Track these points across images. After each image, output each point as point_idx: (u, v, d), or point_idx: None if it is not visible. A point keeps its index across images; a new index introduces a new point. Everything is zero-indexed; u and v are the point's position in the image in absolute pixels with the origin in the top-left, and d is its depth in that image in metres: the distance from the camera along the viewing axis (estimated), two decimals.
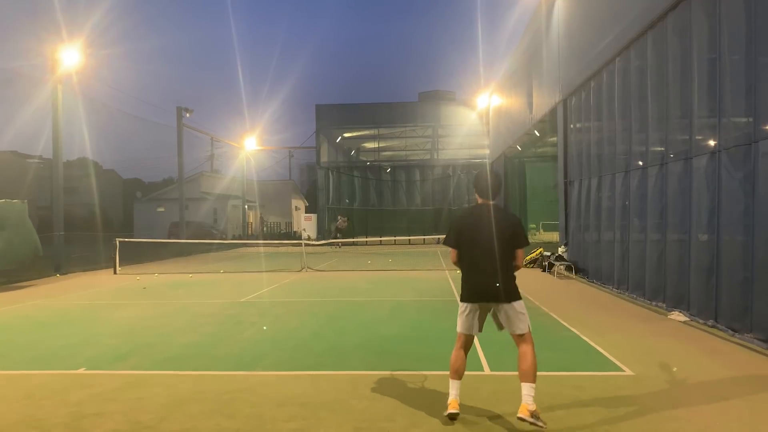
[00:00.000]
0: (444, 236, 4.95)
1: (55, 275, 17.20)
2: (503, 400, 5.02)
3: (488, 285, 4.54)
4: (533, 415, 4.24)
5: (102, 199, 40.84)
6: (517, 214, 28.51)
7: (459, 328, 4.66)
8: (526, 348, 4.53)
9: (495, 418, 4.61)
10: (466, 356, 4.67)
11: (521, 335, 4.56)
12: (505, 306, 4.54)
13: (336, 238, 28.56)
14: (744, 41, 7.20)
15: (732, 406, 4.86)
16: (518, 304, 4.58)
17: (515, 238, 4.63)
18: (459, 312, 4.68)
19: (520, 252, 4.70)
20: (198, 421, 4.64)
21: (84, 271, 18.58)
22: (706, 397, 5.07)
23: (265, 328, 7.75)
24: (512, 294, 4.56)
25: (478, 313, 4.62)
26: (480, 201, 4.78)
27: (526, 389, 4.35)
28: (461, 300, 4.69)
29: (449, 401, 4.51)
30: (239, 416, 4.73)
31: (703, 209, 8.19)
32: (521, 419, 4.25)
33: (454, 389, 4.54)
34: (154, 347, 7.40)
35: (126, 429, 4.50)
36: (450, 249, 4.80)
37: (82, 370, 6.26)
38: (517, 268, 4.71)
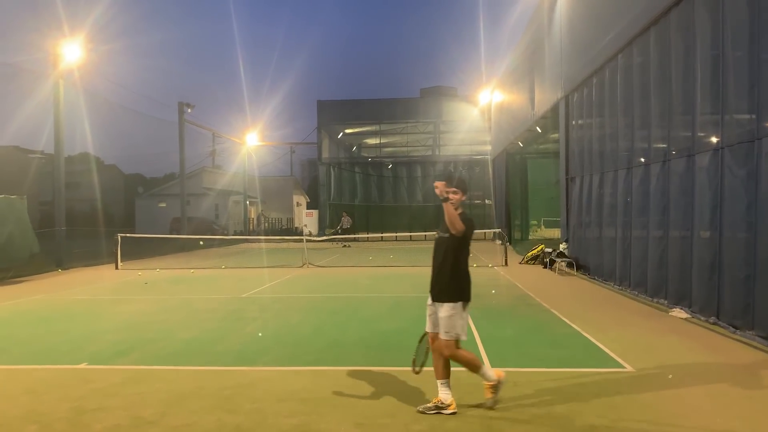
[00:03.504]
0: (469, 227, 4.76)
1: (57, 270, 17.22)
2: (504, 395, 5.02)
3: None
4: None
5: (104, 195, 40.83)
6: (519, 211, 28.55)
7: (464, 334, 4.69)
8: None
9: (496, 412, 4.61)
10: None
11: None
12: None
13: (339, 234, 28.54)
14: (747, 38, 7.17)
15: (733, 403, 4.86)
16: None
17: None
18: (462, 315, 4.67)
19: None
20: (199, 416, 4.65)
21: (86, 266, 18.60)
22: (707, 394, 5.07)
23: (260, 334, 7.74)
24: None
25: None
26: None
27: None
28: (466, 300, 4.70)
29: (497, 374, 4.74)
30: (240, 411, 4.74)
31: (706, 206, 8.17)
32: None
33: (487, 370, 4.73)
34: (156, 342, 7.41)
35: (127, 424, 4.51)
36: (463, 227, 4.63)
37: (83, 365, 6.27)
38: None
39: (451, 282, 4.62)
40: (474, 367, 4.65)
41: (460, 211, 4.73)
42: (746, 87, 7.16)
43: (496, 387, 4.65)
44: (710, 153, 8.03)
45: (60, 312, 10.09)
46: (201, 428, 4.40)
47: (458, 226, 4.52)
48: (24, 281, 14.77)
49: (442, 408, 4.55)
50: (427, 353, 4.88)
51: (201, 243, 24.74)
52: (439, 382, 4.64)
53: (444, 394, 4.59)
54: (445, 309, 4.58)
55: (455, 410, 4.55)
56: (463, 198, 4.85)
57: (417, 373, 4.88)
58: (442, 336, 4.60)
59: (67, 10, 20.15)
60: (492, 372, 4.69)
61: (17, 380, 5.77)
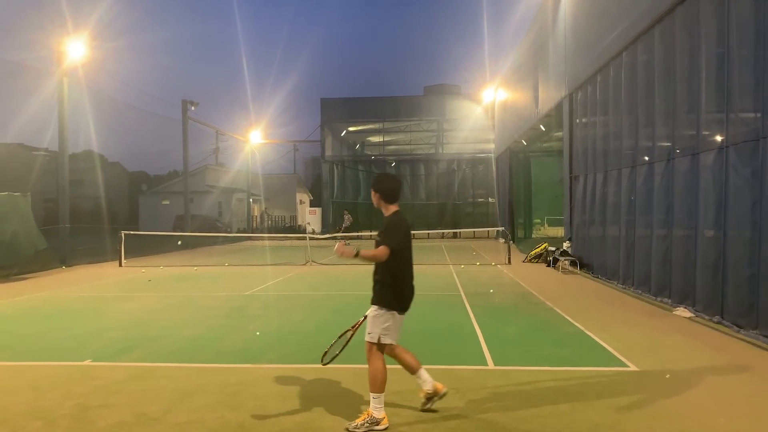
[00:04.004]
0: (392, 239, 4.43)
1: (61, 267, 17.27)
2: (507, 394, 5.02)
3: (412, 292, 4.57)
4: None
5: (107, 192, 40.88)
6: (522, 209, 28.50)
7: (392, 340, 4.45)
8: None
9: (499, 411, 4.61)
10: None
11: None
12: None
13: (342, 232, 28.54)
14: (753, 36, 7.14)
15: (737, 402, 4.85)
16: None
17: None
18: (387, 319, 4.41)
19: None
20: (202, 413, 4.66)
21: (89, 263, 18.65)
22: (710, 393, 5.05)
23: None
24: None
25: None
26: (394, 207, 4.57)
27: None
28: (392, 309, 4.43)
29: (435, 386, 4.53)
30: (243, 409, 4.75)
31: (710, 205, 8.14)
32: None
33: (424, 376, 4.56)
34: (159, 340, 7.43)
35: (131, 421, 4.52)
36: (386, 251, 4.34)
37: (87, 362, 6.29)
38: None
39: (380, 288, 4.47)
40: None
41: (394, 209, 4.56)
42: (751, 85, 7.12)
43: (430, 397, 4.52)
44: (715, 152, 8.00)
45: (64, 309, 10.12)
46: (204, 425, 4.41)
47: (382, 259, 4.36)
48: (28, 278, 14.82)
49: (374, 423, 4.23)
50: (342, 349, 4.74)
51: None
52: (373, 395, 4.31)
53: (375, 409, 4.29)
54: (371, 310, 4.49)
55: (387, 425, 4.26)
56: (380, 197, 4.59)
57: (324, 364, 4.75)
58: (365, 337, 4.45)
59: (71, 8, 20.19)
60: (429, 383, 4.50)
61: (22, 377, 5.79)
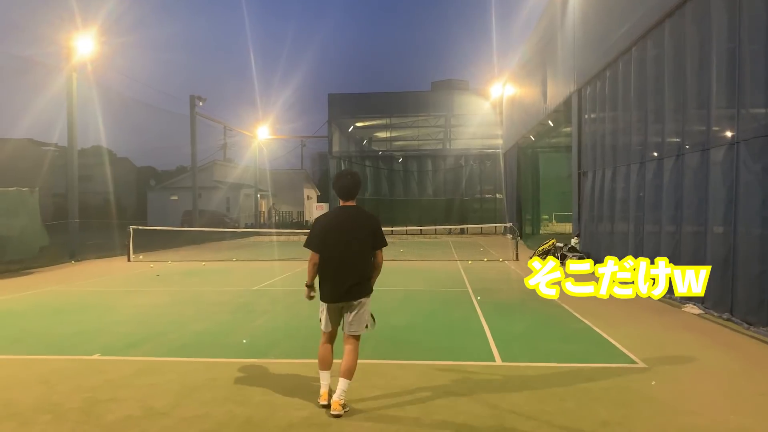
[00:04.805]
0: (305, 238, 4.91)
1: (71, 262, 17.40)
2: (514, 390, 5.01)
3: (350, 285, 4.70)
4: (344, 407, 4.51)
5: (116, 187, 41.08)
6: (530, 205, 28.37)
7: (324, 328, 4.81)
8: (353, 346, 4.76)
9: (506, 407, 4.60)
10: (332, 348, 4.85)
11: (357, 336, 4.79)
12: (354, 303, 4.73)
13: None
14: (764, 30, 7.05)
15: (746, 400, 4.82)
16: (367, 301, 4.81)
17: (375, 238, 4.78)
18: (321, 309, 4.81)
19: (379, 252, 4.86)
20: (210, 407, 4.68)
21: (98, 258, 18.77)
22: (719, 391, 5.02)
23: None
24: (366, 291, 4.81)
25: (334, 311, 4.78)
26: (342, 203, 4.86)
27: (343, 385, 4.55)
28: (323, 300, 4.78)
29: (322, 392, 4.71)
30: (251, 403, 4.76)
31: (720, 201, 8.07)
32: (336, 415, 4.43)
33: (325, 380, 4.74)
34: (168, 334, 7.47)
35: (139, 415, 4.55)
36: (311, 252, 4.78)
37: (96, 356, 6.33)
38: (377, 266, 4.90)
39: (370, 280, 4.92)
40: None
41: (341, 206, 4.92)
42: (763, 81, 7.05)
43: (325, 403, 4.62)
44: (725, 147, 7.93)
45: (73, 303, 10.19)
46: (212, 419, 4.43)
47: (310, 261, 4.84)
48: (38, 272, 14.93)
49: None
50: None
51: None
52: (347, 382, 4.63)
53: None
54: (368, 303, 4.92)
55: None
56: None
57: None
58: (362, 331, 4.88)
59: (80, 3, 20.25)
60: (324, 388, 4.71)
61: (31, 370, 5.83)
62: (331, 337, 4.83)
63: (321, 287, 4.77)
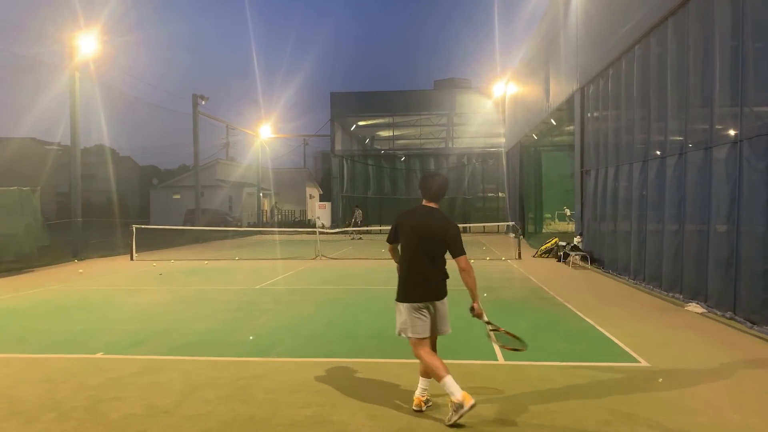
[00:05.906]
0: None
1: (74, 261, 17.43)
2: (517, 389, 5.01)
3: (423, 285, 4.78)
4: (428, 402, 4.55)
5: (119, 186, 41.25)
6: (533, 204, 28.34)
7: (414, 334, 4.72)
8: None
9: (509, 406, 4.60)
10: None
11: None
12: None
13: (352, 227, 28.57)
14: None
15: (750, 399, 4.81)
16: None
17: (453, 244, 4.88)
18: (401, 312, 4.74)
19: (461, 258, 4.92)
20: (213, 406, 4.69)
21: (101, 256, 18.80)
22: (723, 390, 5.01)
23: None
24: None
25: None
26: (425, 202, 4.93)
27: (425, 384, 4.60)
28: (399, 300, 4.76)
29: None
30: (254, 402, 4.77)
31: (723, 200, 8.05)
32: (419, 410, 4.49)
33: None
34: (171, 333, 7.48)
35: (143, 413, 4.56)
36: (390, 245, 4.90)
37: (99, 355, 6.35)
38: (463, 270, 4.94)
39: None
40: (432, 374, 4.47)
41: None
42: (766, 79, 7.03)
43: (457, 408, 4.18)
44: (728, 146, 7.91)
45: (76, 302, 10.22)
46: (215, 418, 4.44)
47: (391, 254, 4.96)
48: (41, 271, 14.96)
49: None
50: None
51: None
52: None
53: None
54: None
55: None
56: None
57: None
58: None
59: (83, 2, 20.26)
60: (458, 391, 4.23)
61: (35, 369, 5.85)
62: (414, 344, 4.73)
63: (399, 287, 4.79)
